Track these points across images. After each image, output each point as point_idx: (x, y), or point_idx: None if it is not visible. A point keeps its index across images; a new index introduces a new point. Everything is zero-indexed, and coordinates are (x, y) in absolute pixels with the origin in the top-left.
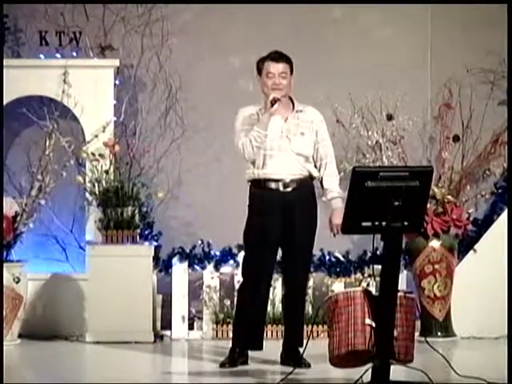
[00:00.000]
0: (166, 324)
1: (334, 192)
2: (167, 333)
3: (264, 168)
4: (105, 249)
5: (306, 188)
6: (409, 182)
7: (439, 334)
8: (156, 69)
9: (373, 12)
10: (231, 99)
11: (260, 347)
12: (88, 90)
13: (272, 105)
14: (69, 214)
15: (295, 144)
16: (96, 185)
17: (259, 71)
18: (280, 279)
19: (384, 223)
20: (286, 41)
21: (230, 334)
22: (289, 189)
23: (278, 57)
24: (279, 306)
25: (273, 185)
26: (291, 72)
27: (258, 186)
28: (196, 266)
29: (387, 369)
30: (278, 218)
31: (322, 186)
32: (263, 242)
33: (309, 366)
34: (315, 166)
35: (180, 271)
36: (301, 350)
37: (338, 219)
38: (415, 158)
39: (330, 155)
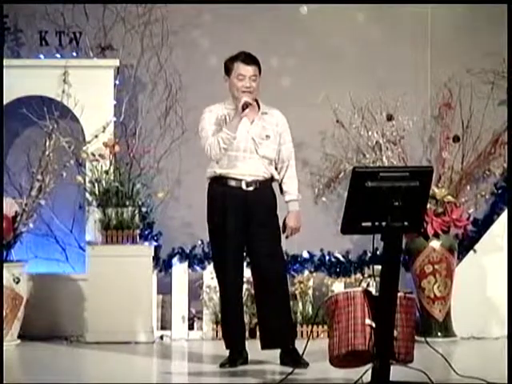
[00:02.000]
0: (166, 324)
1: (292, 195)
2: (167, 333)
3: (228, 168)
4: (105, 249)
5: (267, 189)
6: (409, 182)
7: (439, 334)
8: (156, 69)
9: (373, 12)
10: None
11: (242, 346)
12: (88, 89)
13: (243, 109)
14: (69, 214)
15: (261, 147)
16: (96, 185)
17: (227, 71)
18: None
19: (384, 223)
20: (286, 41)
21: None
22: (251, 188)
23: (248, 58)
24: None
25: (234, 183)
26: (259, 74)
27: (220, 184)
28: (196, 266)
29: (387, 369)
30: (241, 216)
31: (280, 188)
32: (227, 241)
33: (307, 365)
34: (276, 168)
35: (180, 271)
36: (300, 349)
37: (292, 222)
38: (415, 158)
39: (291, 158)
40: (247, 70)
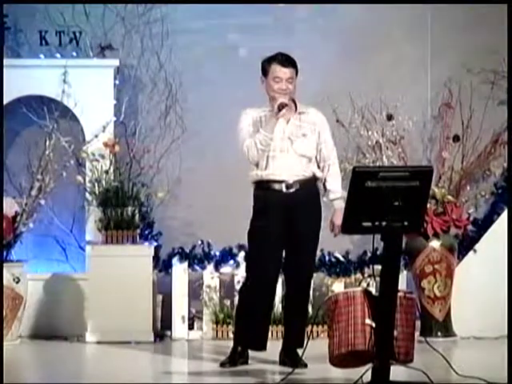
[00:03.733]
0: (166, 324)
1: (336, 193)
2: (167, 333)
3: (267, 169)
4: (105, 249)
5: (310, 189)
6: (409, 181)
7: (439, 333)
8: (156, 69)
9: (373, 12)
10: (231, 99)
11: (263, 347)
12: (88, 89)
13: (279, 110)
14: (69, 214)
15: (297, 145)
16: (96, 185)
17: (264, 72)
18: (280, 280)
19: (384, 223)
20: (286, 41)
21: (230, 334)
22: (292, 190)
23: (285, 60)
24: (279, 306)
25: (276, 186)
26: (296, 75)
27: (262, 188)
28: (196, 266)
29: (387, 369)
30: (281, 219)
31: (324, 186)
32: (266, 243)
33: (305, 366)
34: (318, 167)
35: (180, 271)
36: (299, 350)
37: (340, 220)
38: (415, 157)
39: (332, 156)
40: (284, 73)
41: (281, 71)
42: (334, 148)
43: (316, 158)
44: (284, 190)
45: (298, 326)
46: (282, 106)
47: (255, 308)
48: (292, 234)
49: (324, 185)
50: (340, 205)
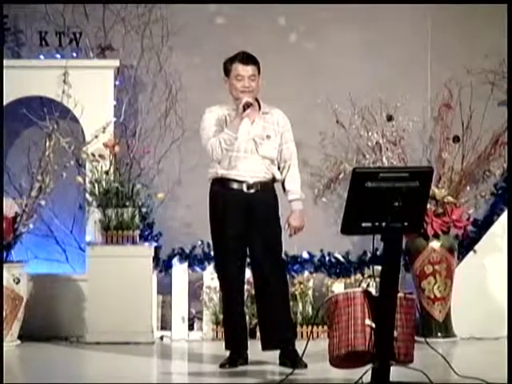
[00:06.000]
0: (166, 325)
1: (294, 194)
2: (167, 333)
3: (229, 169)
4: (105, 249)
5: (269, 190)
6: (409, 182)
7: (439, 334)
8: (156, 69)
9: (373, 12)
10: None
11: (244, 348)
12: (88, 90)
13: (244, 109)
14: (69, 215)
15: (262, 147)
16: (96, 185)
17: (227, 72)
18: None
19: (384, 224)
20: (286, 41)
21: None
22: (252, 190)
23: (246, 59)
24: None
25: (236, 185)
26: (259, 73)
27: (221, 185)
28: (196, 267)
29: (387, 369)
30: (241, 219)
31: (283, 187)
32: (229, 243)
33: (305, 366)
34: (279, 168)
35: (180, 272)
36: (300, 350)
37: (295, 221)
38: (415, 158)
39: (293, 157)
40: (246, 70)
41: (243, 69)
42: (295, 149)
43: (276, 158)
44: (245, 189)
45: (285, 326)
46: (246, 106)
47: (229, 310)
48: (252, 235)
49: (283, 185)
50: (298, 206)
